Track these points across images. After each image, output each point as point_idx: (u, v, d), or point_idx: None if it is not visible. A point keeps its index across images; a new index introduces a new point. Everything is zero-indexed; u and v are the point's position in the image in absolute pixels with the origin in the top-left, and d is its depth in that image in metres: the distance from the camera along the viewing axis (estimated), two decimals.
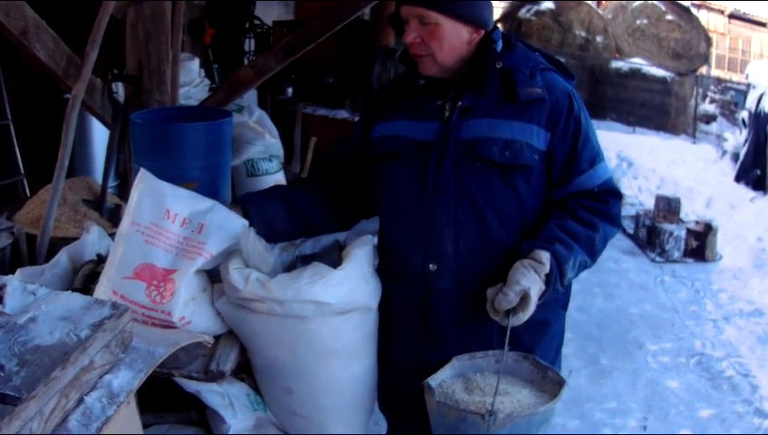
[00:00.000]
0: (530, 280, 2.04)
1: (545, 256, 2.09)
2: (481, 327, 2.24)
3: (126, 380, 1.73)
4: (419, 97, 2.29)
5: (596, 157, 2.25)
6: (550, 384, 2.13)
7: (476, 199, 2.19)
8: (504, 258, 2.18)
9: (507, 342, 2.04)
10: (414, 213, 2.26)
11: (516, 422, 1.95)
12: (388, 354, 2.42)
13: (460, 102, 2.21)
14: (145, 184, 2.24)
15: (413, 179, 2.25)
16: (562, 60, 2.43)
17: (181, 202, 2.21)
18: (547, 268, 2.08)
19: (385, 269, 2.39)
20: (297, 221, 2.39)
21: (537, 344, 2.26)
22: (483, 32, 2.21)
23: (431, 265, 2.24)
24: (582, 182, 2.24)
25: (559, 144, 2.20)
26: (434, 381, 2.10)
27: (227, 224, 2.22)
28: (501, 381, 2.08)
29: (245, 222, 2.27)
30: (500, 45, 2.24)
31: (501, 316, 2.05)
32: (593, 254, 2.24)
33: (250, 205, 2.35)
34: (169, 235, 2.20)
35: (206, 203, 2.25)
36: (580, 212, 2.22)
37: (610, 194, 2.27)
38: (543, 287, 2.08)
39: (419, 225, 2.25)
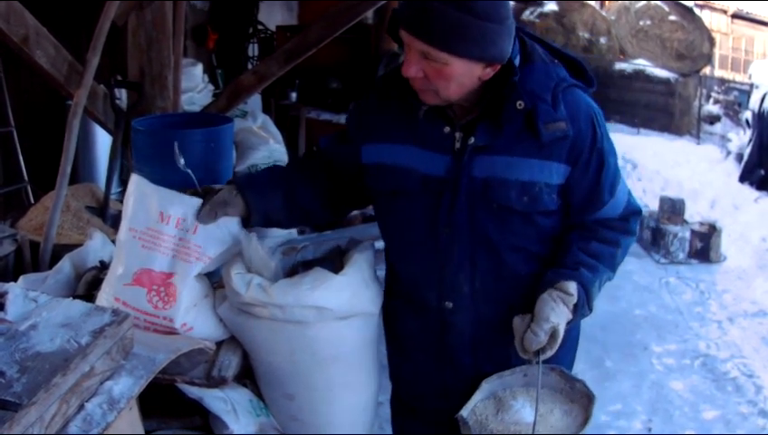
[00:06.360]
0: (558, 315, 1.97)
1: (572, 287, 2.01)
2: (498, 353, 2.19)
3: (126, 386, 1.73)
4: (422, 120, 2.06)
5: (615, 181, 2.13)
6: (578, 395, 2.10)
7: (493, 241, 2.08)
8: (522, 288, 2.11)
9: (539, 382, 2.00)
10: (426, 251, 2.13)
11: None
12: (403, 370, 2.41)
13: (473, 139, 2.00)
14: (138, 189, 2.24)
15: (424, 217, 2.10)
16: None
17: (174, 203, 2.19)
18: (575, 299, 2.01)
19: (395, 291, 2.33)
20: (294, 212, 2.26)
21: (556, 354, 2.08)
22: (498, 66, 1.92)
23: (447, 303, 2.16)
24: (605, 213, 2.14)
25: (579, 177, 2.06)
26: (466, 410, 2.06)
27: (222, 222, 2.21)
28: (532, 398, 2.07)
29: (238, 219, 2.24)
30: (517, 61, 1.98)
31: (530, 354, 1.99)
32: (615, 268, 2.18)
33: (250, 192, 2.17)
34: (165, 237, 2.19)
35: (199, 202, 2.24)
36: (602, 232, 2.14)
37: (631, 214, 2.20)
38: (571, 317, 2.02)
39: (432, 263, 2.13)
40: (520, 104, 1.95)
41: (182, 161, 2.19)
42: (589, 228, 2.15)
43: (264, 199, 2.20)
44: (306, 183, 2.27)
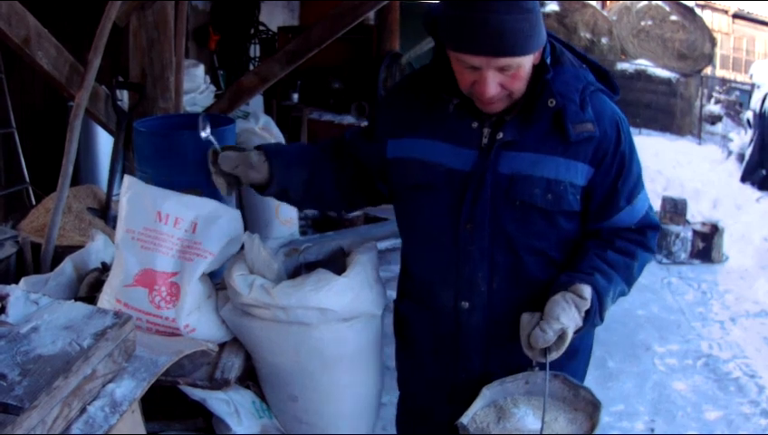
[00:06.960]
0: (569, 317, 1.94)
1: (587, 291, 1.97)
2: (509, 357, 2.15)
3: (129, 389, 1.73)
4: (451, 114, 2.07)
5: (634, 189, 2.12)
6: (583, 403, 2.06)
7: (514, 240, 2.06)
8: (539, 294, 2.06)
9: (547, 381, 1.97)
10: (445, 248, 2.11)
11: None
12: (411, 375, 2.38)
13: (501, 134, 2.01)
14: (133, 190, 2.23)
15: (445, 212, 2.08)
16: None
17: (171, 203, 2.19)
18: (588, 304, 1.97)
19: (408, 292, 2.30)
20: (310, 194, 2.26)
21: (568, 363, 2.10)
22: (543, 48, 1.97)
23: (463, 303, 2.12)
24: (621, 220, 2.12)
25: (600, 181, 2.06)
26: (466, 417, 2.01)
27: (219, 219, 2.21)
28: (534, 406, 2.04)
29: (237, 213, 2.24)
30: (548, 62, 2.01)
31: (535, 352, 1.96)
32: (630, 282, 2.14)
33: (277, 162, 2.18)
34: (164, 237, 2.19)
35: (194, 201, 2.23)
36: (619, 242, 2.11)
37: (648, 227, 2.17)
38: (581, 324, 1.98)
39: (450, 261, 2.10)
40: (551, 102, 1.98)
41: (208, 131, 2.19)
42: (605, 238, 2.13)
43: (288, 173, 2.19)
44: (331, 169, 2.27)
